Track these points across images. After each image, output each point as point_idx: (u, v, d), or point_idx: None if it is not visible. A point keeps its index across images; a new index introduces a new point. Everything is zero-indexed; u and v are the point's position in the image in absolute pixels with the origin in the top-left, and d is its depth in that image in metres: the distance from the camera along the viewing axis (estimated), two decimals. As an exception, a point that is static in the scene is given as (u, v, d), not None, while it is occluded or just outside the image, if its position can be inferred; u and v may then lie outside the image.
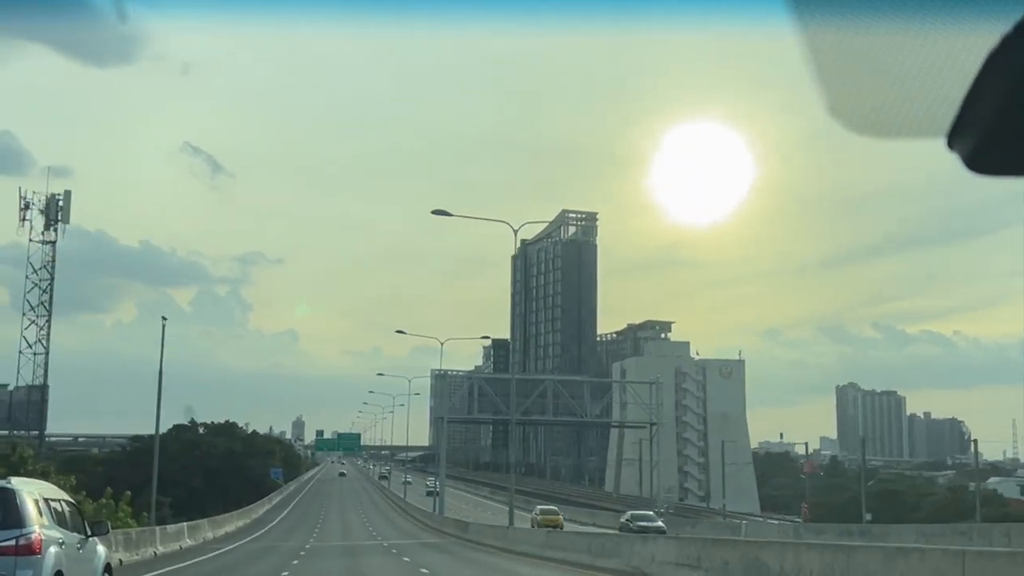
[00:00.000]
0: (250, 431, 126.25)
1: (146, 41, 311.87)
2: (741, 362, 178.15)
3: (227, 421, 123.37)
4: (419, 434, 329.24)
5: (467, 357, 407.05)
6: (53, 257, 72.73)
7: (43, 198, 71.60)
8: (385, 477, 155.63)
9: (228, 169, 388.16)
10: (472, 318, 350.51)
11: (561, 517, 62.31)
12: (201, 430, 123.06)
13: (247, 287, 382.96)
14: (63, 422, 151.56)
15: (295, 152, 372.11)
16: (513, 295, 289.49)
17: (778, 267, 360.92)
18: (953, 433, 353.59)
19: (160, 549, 37.88)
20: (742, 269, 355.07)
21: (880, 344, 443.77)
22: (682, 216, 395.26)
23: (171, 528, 42.99)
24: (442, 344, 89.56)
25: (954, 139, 1.87)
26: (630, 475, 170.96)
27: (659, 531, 42.64)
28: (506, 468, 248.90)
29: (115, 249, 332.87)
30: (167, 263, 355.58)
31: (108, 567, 16.99)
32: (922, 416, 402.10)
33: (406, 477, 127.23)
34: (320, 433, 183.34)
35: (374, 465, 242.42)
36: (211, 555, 37.58)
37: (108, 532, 18.15)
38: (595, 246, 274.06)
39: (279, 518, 76.28)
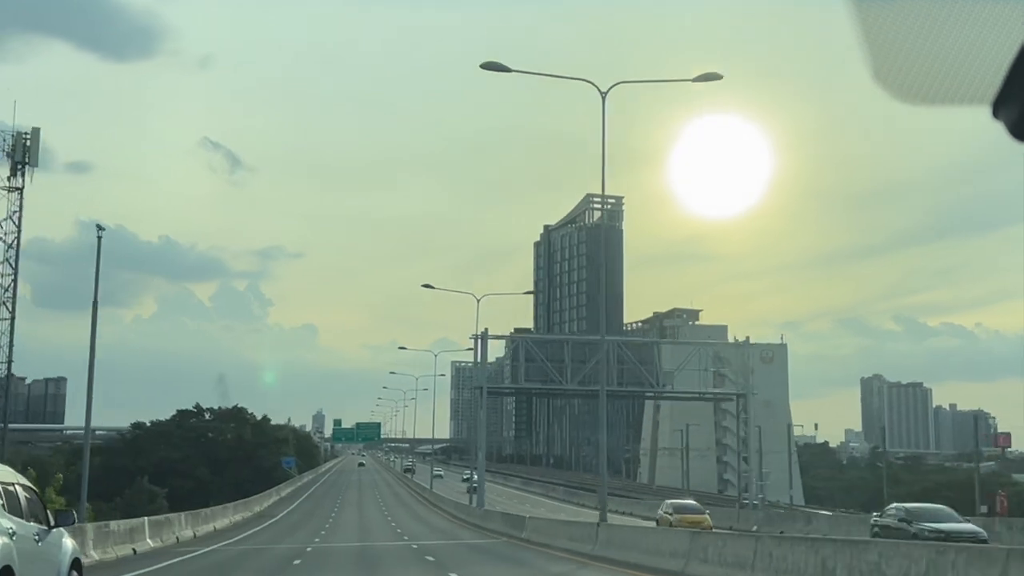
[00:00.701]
0: (260, 417, 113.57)
1: (165, 35, 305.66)
2: (783, 347, 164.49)
3: (236, 407, 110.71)
4: (439, 427, 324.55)
5: (489, 349, 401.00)
6: (20, 207, 59.75)
7: (8, 137, 58.69)
8: (410, 470, 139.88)
9: (247, 164, 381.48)
10: (493, 310, 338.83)
11: (708, 516, 43.71)
12: (208, 416, 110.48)
13: (267, 281, 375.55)
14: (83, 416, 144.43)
15: (315, 146, 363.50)
16: (536, 282, 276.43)
17: (796, 260, 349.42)
18: (979, 425, 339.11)
19: (93, 556, 25.21)
20: (760, 262, 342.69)
21: (900, 337, 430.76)
22: (700, 209, 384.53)
23: (118, 526, 30.02)
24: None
25: (999, 107, 1.81)
26: (667, 465, 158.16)
27: (974, 538, 25.55)
28: (530, 460, 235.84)
29: (135, 244, 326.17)
30: (187, 258, 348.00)
31: (77, 563, 14.25)
32: (947, 408, 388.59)
33: (435, 469, 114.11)
34: (338, 422, 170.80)
35: (396, 458, 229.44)
36: (144, 572, 24.56)
37: (75, 523, 16.48)
38: (621, 231, 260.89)
39: (285, 512, 63.54)
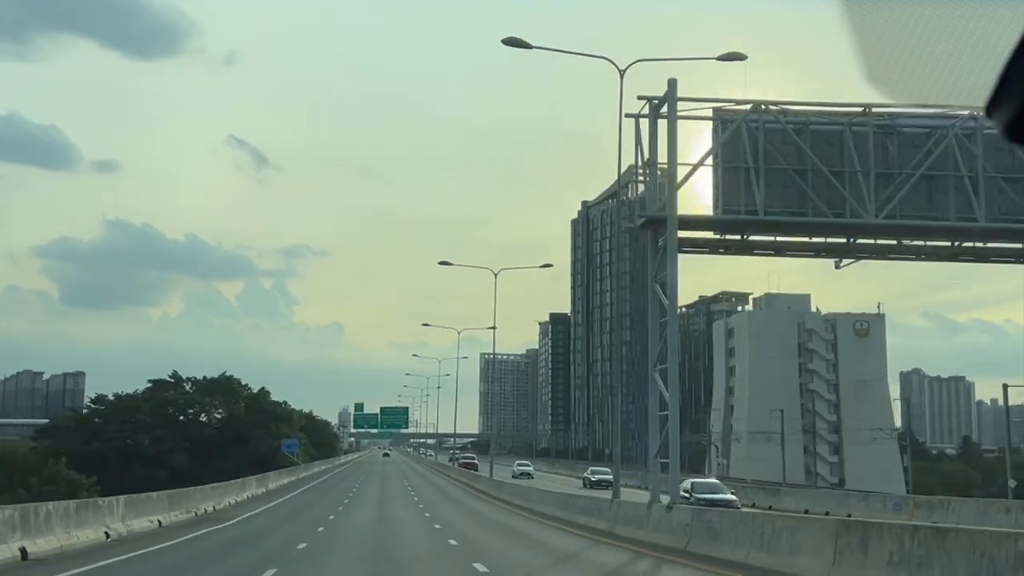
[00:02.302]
0: (257, 390, 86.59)
1: (190, 33, 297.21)
2: (881, 316, 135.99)
3: (225, 375, 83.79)
4: (467, 421, 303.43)
5: (518, 343, 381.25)
6: None
7: None
8: (470, 464, 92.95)
9: (273, 162, 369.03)
10: (526, 296, 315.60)
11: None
12: (189, 387, 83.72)
13: (293, 279, 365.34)
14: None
15: (340, 143, 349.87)
16: (574, 263, 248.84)
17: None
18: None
19: None
20: (781, 261, 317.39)
21: (931, 333, 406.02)
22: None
23: None
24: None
25: (994, 108, 1.78)
26: (743, 455, 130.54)
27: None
28: (573, 454, 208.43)
29: (162, 243, 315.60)
30: (213, 256, 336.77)
31: None
32: (989, 403, 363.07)
33: (520, 464, 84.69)
34: (359, 407, 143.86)
35: (427, 453, 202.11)
36: None
37: None
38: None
39: (250, 514, 36.21)
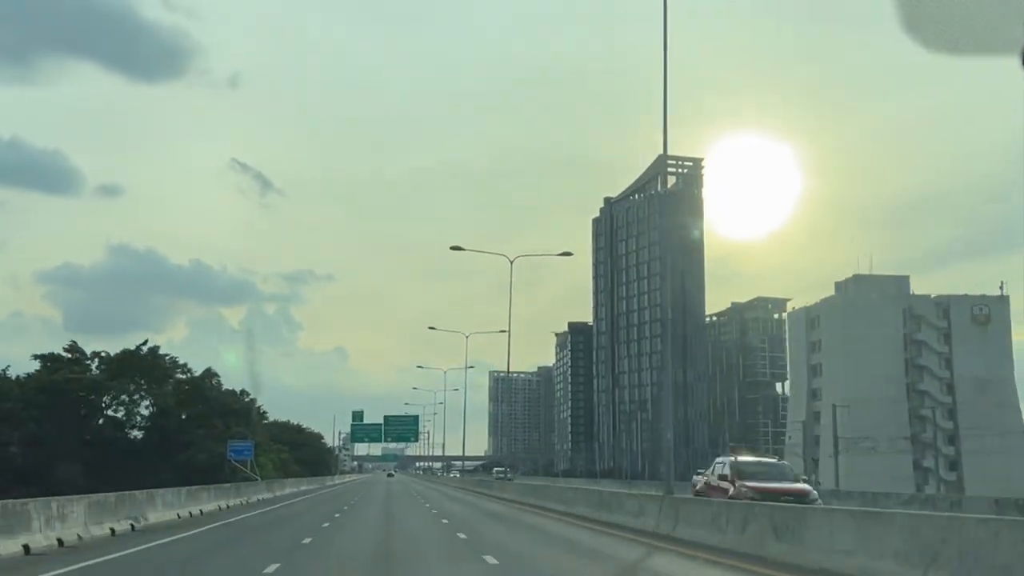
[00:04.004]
0: (200, 373, 56.69)
1: (194, 55, 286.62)
2: (1004, 299, 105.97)
3: (143, 347, 53.87)
4: (475, 443, 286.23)
5: (532, 359, 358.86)
6: None
7: None
8: (505, 474, 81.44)
9: (278, 186, 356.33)
10: (547, 303, 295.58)
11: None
12: (95, 366, 53.89)
13: (297, 305, 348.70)
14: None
15: (345, 167, 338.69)
16: (596, 265, 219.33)
17: (815, 283, 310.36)
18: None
19: None
20: (793, 281, 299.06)
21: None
22: (728, 230, 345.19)
23: None
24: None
25: None
26: (832, 471, 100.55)
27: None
28: (598, 474, 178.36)
29: (166, 268, 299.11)
30: (218, 281, 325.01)
31: None
32: None
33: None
34: (359, 416, 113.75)
35: (444, 472, 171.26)
36: None
37: None
38: (701, 200, 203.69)
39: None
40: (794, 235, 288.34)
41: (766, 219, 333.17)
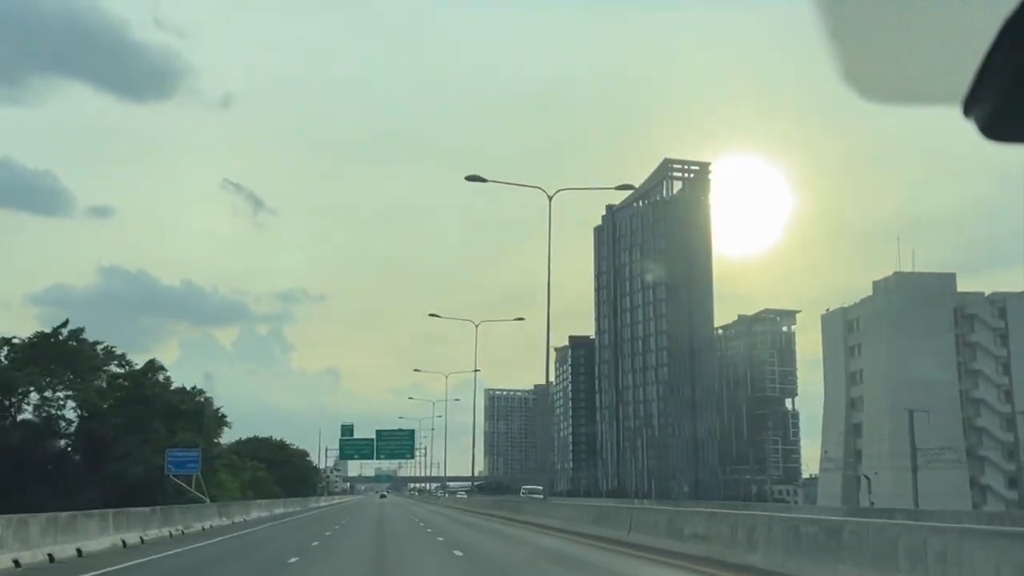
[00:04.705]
0: (143, 365, 44.23)
1: (185, 75, 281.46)
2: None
3: (61, 330, 41.45)
4: (469, 463, 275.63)
5: (528, 377, 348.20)
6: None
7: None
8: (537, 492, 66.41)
9: (270, 206, 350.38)
10: (536, 334, 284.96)
11: None
12: (2, 354, 41.55)
13: (289, 324, 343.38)
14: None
15: (338, 187, 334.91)
16: (598, 277, 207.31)
17: (822, 297, 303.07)
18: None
19: None
20: (788, 302, 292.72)
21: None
22: (734, 237, 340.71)
23: None
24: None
25: (970, 106, 1.70)
26: (878, 489, 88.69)
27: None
28: (604, 493, 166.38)
29: (157, 289, 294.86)
30: (209, 302, 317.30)
31: None
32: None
33: None
34: (348, 430, 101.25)
35: (444, 492, 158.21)
36: None
37: None
38: (708, 206, 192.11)
39: None
40: (801, 245, 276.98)
41: (772, 227, 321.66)
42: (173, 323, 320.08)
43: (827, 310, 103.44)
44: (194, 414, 43.39)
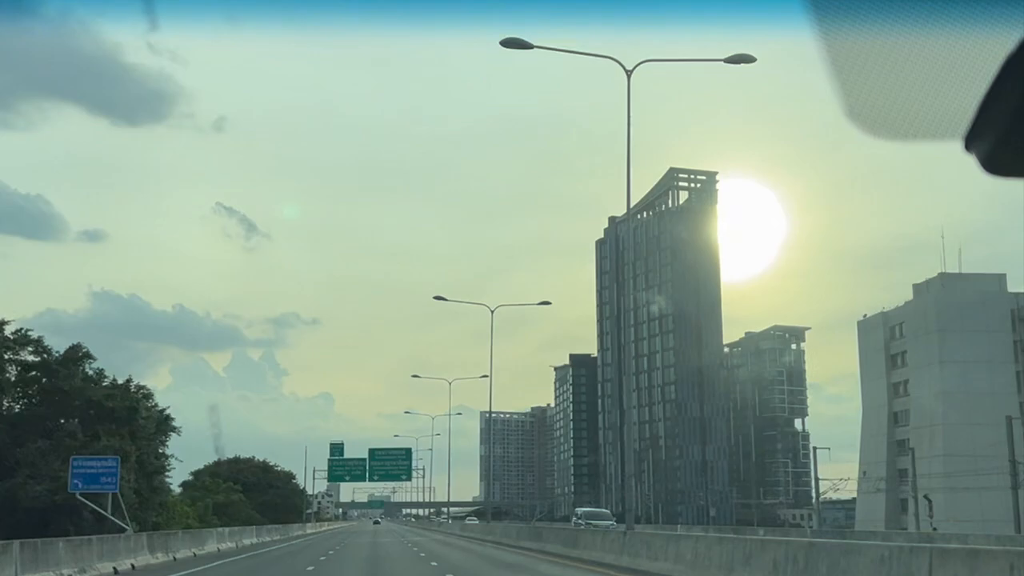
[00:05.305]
0: (62, 353, 33.68)
1: (179, 98, 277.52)
2: None
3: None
4: (467, 488, 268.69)
5: (525, 400, 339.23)
6: None
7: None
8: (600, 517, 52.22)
9: (263, 230, 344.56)
10: (550, 334, 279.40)
11: None
12: None
13: (282, 349, 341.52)
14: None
15: (331, 210, 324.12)
16: (600, 291, 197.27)
17: (818, 322, 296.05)
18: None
19: None
20: (795, 318, 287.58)
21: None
22: (727, 261, 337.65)
23: None
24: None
25: (971, 141, 1.76)
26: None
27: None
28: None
29: (149, 314, 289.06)
30: (202, 327, 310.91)
31: None
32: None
33: None
34: (338, 449, 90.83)
35: (446, 518, 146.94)
36: None
37: None
38: (716, 216, 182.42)
39: None
40: (810, 261, 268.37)
41: (778, 242, 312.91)
42: (165, 348, 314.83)
43: (864, 316, 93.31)
44: (124, 414, 32.55)
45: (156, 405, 36.71)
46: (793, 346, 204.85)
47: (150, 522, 31.65)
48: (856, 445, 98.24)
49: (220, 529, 37.28)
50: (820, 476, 77.04)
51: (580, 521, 50.96)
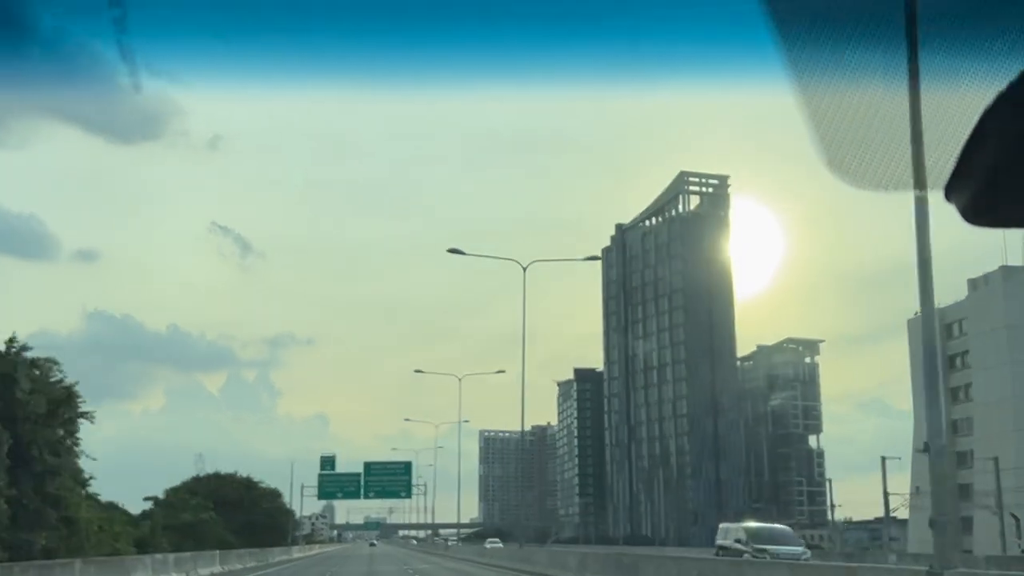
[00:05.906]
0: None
1: (173, 116, 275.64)
2: None
3: None
4: (464, 508, 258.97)
5: (527, 418, 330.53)
6: None
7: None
8: None
9: (258, 249, 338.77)
10: (551, 346, 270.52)
11: None
12: None
13: (277, 369, 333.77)
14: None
15: (326, 230, 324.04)
16: (606, 302, 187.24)
17: (846, 328, 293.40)
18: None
19: None
20: (808, 330, 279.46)
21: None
22: (738, 269, 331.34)
23: None
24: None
25: (951, 191, 1.80)
26: (996, 527, 68.27)
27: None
28: (619, 541, 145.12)
29: (143, 334, 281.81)
30: (196, 347, 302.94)
31: None
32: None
33: None
34: (329, 463, 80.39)
35: (458, 540, 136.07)
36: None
37: None
38: (728, 222, 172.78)
39: None
40: (823, 271, 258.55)
41: (791, 251, 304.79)
42: (158, 368, 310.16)
43: (916, 313, 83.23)
44: (42, 412, 21.60)
45: (61, 379, 26.29)
46: (807, 359, 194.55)
47: (37, 547, 21.76)
48: (873, 465, 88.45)
49: (160, 556, 26.98)
50: (835, 501, 67.20)
51: (742, 546, 35.29)
